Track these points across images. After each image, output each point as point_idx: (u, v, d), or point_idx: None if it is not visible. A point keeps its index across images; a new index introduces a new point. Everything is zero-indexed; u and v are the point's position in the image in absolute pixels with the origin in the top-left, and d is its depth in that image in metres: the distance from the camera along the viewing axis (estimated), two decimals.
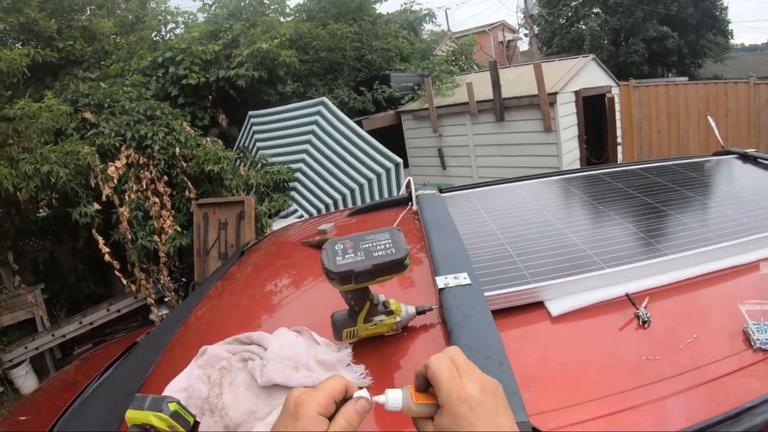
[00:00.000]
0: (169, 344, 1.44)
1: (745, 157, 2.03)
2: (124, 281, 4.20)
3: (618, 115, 8.10)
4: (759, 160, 1.94)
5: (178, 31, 7.90)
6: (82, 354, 3.88)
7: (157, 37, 7.74)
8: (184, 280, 4.53)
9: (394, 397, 0.67)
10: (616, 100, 8.07)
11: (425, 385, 0.67)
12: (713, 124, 2.48)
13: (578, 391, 0.85)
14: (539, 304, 1.08)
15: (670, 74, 17.04)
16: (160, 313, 4.36)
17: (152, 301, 4.35)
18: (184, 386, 1.11)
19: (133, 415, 0.99)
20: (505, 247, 1.35)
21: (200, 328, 1.51)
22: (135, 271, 4.31)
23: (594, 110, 7.26)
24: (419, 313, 1.06)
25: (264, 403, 0.98)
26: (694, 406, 0.82)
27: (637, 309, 1.01)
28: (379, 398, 0.67)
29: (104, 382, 1.83)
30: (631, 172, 1.97)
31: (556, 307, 1.06)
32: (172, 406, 0.97)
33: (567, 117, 6.51)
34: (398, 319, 1.03)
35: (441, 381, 0.63)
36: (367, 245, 0.92)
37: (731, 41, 17.90)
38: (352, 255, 0.90)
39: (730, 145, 2.27)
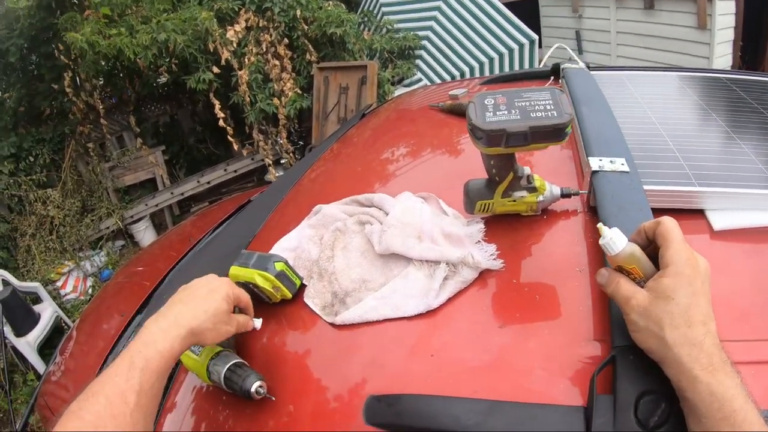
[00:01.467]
0: (281, 202, 1.39)
1: None
2: (236, 146, 4.30)
3: None
4: None
5: None
6: (199, 211, 4.11)
7: None
8: (301, 143, 4.56)
9: (618, 236, 0.64)
10: None
11: (645, 244, 0.65)
12: None
13: (723, 324, 0.69)
14: (699, 213, 0.89)
15: None
16: (276, 174, 4.45)
17: (270, 162, 4.43)
18: (293, 246, 1.06)
19: (237, 272, 0.94)
20: (665, 139, 1.13)
21: (313, 189, 1.45)
22: (253, 133, 4.38)
23: (752, 16, 6.23)
24: (564, 195, 0.91)
25: (379, 272, 0.90)
26: None
27: None
28: (604, 233, 0.64)
29: (215, 236, 1.87)
30: None
31: (719, 220, 0.86)
32: (279, 266, 0.91)
33: (725, 17, 5.58)
34: (541, 198, 0.88)
35: (674, 239, 0.61)
36: (523, 103, 0.76)
37: None
38: (505, 112, 0.75)
39: None
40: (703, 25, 5.53)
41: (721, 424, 0.52)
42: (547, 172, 1.08)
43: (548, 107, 0.75)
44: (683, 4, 5.70)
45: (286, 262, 0.93)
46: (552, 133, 0.75)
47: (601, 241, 0.64)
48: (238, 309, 0.86)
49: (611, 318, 0.68)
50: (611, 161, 0.92)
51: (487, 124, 0.74)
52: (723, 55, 5.81)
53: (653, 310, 0.59)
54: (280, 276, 0.92)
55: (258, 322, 0.87)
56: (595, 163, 0.92)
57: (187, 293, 0.79)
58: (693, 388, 0.54)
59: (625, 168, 0.91)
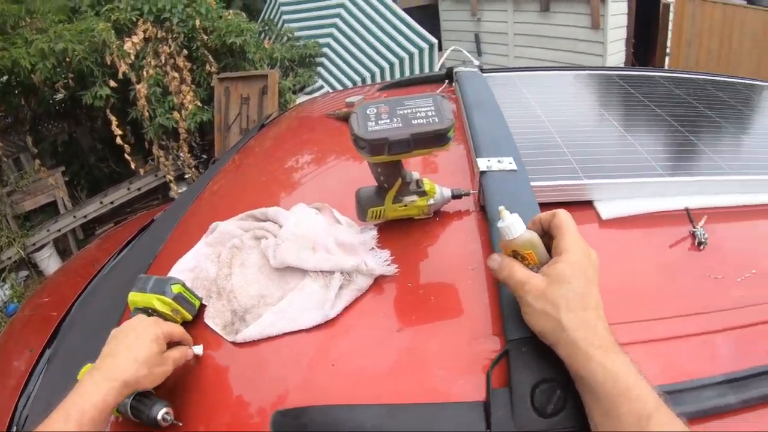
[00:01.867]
0: (180, 221, 1.35)
1: None
2: (133, 165, 4.15)
3: (670, 25, 7.45)
4: None
5: None
6: (104, 233, 3.91)
7: None
8: (204, 156, 4.46)
9: (517, 221, 0.66)
10: (671, 9, 7.41)
11: (539, 234, 0.68)
12: None
13: (617, 307, 0.74)
14: (587, 204, 0.95)
15: None
16: (179, 190, 4.33)
17: (171, 178, 4.31)
18: (191, 266, 1.03)
19: (135, 298, 0.91)
20: (554, 137, 1.19)
21: (214, 203, 1.42)
22: (153, 148, 4.22)
23: (644, 15, 6.69)
24: (455, 196, 0.94)
25: (276, 286, 0.89)
26: (741, 348, 0.70)
27: (695, 227, 0.86)
28: (505, 217, 0.66)
29: (119, 261, 1.79)
30: (690, 80, 1.75)
31: (607, 210, 0.92)
32: (176, 289, 0.89)
33: (617, 16, 5.97)
34: (431, 201, 0.90)
35: (569, 229, 0.65)
36: (405, 111, 0.78)
37: None
38: (387, 121, 0.76)
39: None
40: (596, 25, 5.87)
41: (617, 400, 0.55)
42: (443, 174, 1.12)
43: (430, 113, 0.77)
44: (577, 6, 6.03)
45: (183, 284, 0.91)
46: (434, 139, 0.77)
47: (499, 224, 0.66)
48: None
49: (503, 313, 0.70)
50: (499, 161, 0.96)
51: (368, 134, 0.75)
52: (616, 53, 6.20)
53: (549, 294, 0.61)
54: (178, 298, 0.90)
55: (198, 349, 0.86)
56: (483, 163, 0.95)
57: (117, 342, 0.78)
58: (588, 367, 0.57)
59: (513, 167, 0.94)
